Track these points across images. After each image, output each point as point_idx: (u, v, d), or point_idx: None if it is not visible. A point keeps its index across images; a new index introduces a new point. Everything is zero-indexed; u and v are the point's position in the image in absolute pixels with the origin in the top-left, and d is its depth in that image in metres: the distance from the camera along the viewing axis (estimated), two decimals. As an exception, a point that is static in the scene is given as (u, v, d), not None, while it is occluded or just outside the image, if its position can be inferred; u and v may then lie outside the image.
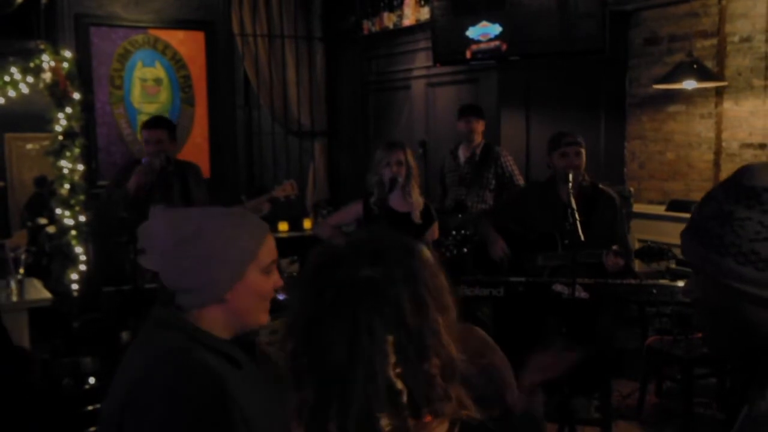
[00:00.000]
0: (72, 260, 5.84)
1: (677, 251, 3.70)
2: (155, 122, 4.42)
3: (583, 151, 3.79)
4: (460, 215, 5.09)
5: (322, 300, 0.94)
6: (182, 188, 4.34)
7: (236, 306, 1.48)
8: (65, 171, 5.84)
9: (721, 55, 5.06)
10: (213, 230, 1.46)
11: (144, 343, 1.47)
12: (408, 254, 1.00)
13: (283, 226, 6.75)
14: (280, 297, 1.65)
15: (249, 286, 1.49)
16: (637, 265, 4.52)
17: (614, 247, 3.62)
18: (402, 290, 0.94)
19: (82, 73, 6.11)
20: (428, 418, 0.94)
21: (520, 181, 5.22)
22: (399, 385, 0.90)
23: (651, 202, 5.57)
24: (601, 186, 3.96)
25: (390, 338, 0.91)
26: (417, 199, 3.90)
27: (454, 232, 4.65)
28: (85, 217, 5.90)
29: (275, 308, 1.59)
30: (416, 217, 3.87)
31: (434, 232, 3.97)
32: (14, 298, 4.25)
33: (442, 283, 1.00)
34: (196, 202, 4.34)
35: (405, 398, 0.90)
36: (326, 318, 0.92)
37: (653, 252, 3.57)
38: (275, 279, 1.53)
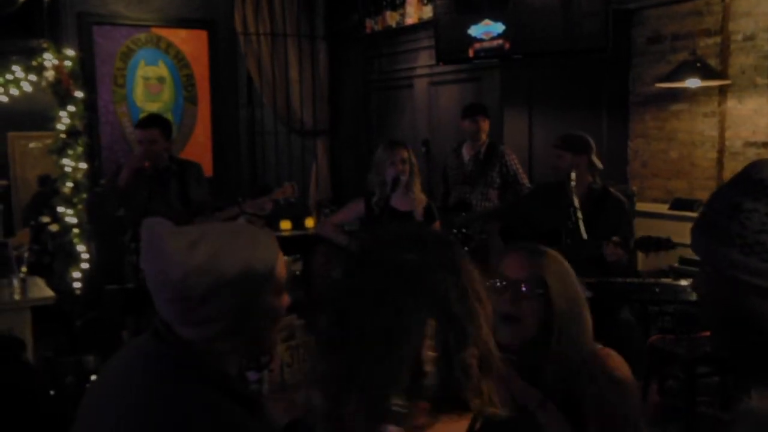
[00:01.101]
0: (75, 258, 5.84)
1: (680, 250, 3.69)
2: (148, 121, 4.30)
3: (565, 154, 3.79)
4: (463, 213, 5.08)
5: (365, 278, 0.96)
6: (180, 188, 4.31)
7: (253, 334, 1.34)
8: (68, 169, 5.83)
9: (724, 53, 5.05)
10: (230, 251, 1.29)
11: (155, 383, 1.27)
12: (447, 245, 1.03)
13: (285, 225, 6.76)
14: None
15: (267, 310, 1.34)
16: (640, 263, 4.50)
17: (614, 238, 3.61)
18: (445, 277, 0.96)
19: (85, 72, 6.11)
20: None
21: (524, 179, 5.21)
22: (428, 368, 0.91)
23: (654, 200, 5.56)
24: (611, 189, 3.95)
25: (432, 322, 0.92)
26: (419, 196, 3.94)
27: (455, 231, 4.63)
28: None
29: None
30: (418, 214, 3.89)
31: (435, 231, 3.97)
32: (17, 297, 4.25)
33: (478, 276, 1.02)
34: (196, 201, 4.32)
35: (431, 381, 0.90)
36: (368, 295, 0.94)
37: (652, 241, 3.53)
38: (286, 297, 1.39)
